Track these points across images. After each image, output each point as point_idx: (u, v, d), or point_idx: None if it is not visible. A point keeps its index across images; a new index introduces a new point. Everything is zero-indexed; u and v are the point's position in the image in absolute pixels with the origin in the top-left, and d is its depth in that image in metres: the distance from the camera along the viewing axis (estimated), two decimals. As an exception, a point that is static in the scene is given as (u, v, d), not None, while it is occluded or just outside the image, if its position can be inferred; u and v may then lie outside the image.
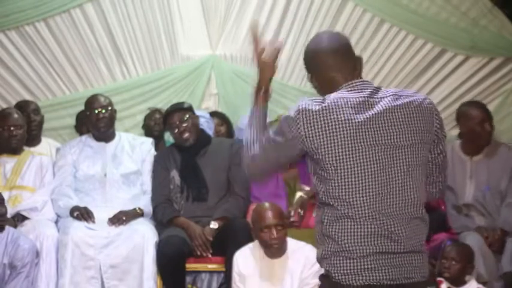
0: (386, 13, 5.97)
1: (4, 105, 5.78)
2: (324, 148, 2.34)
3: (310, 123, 2.35)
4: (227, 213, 4.69)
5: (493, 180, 4.81)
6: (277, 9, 6.05)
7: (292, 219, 4.58)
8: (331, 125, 2.34)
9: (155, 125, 5.75)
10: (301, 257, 4.18)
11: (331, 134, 2.34)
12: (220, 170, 4.83)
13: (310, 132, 2.35)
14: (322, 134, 2.34)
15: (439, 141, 2.47)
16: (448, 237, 4.52)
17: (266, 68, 2.63)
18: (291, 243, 4.24)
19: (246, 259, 4.25)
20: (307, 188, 4.70)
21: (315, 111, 2.35)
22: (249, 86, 6.10)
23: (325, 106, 2.36)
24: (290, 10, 6.04)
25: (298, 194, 4.73)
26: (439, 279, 4.16)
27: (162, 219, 4.75)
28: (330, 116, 2.34)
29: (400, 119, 2.37)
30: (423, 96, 2.46)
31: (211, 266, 4.67)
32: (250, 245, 4.29)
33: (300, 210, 4.65)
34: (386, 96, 2.40)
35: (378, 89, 2.44)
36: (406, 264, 2.34)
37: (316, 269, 4.12)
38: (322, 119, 2.35)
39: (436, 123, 2.45)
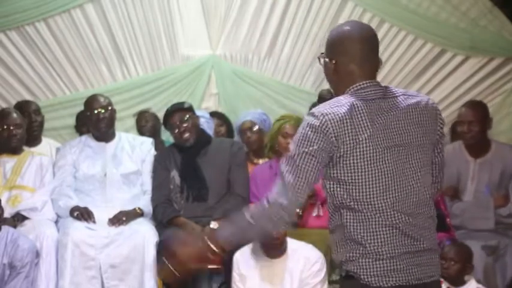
0: (386, 13, 5.98)
1: (4, 105, 5.79)
2: (350, 151, 2.31)
3: (338, 127, 2.29)
4: (227, 213, 4.69)
5: (494, 181, 4.81)
6: (277, 9, 6.06)
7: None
8: (356, 129, 2.30)
9: (142, 127, 5.75)
10: (301, 257, 4.19)
11: (356, 137, 2.31)
12: (220, 170, 4.83)
13: (340, 135, 2.29)
14: (349, 138, 2.30)
15: (439, 141, 2.48)
16: (447, 237, 4.53)
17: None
18: (291, 243, 4.25)
19: (246, 259, 4.26)
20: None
21: (340, 117, 2.30)
22: (249, 86, 6.15)
23: (348, 111, 2.31)
24: (290, 10, 6.06)
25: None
26: (438, 279, 4.16)
27: (162, 219, 4.75)
28: (352, 119, 2.31)
29: (412, 119, 2.38)
30: (427, 97, 2.47)
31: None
32: (250, 245, 4.30)
33: (298, 210, 4.65)
34: (398, 96, 2.40)
35: (387, 88, 2.42)
36: (427, 263, 2.36)
37: (316, 269, 4.13)
38: (347, 122, 2.30)
39: (440, 123, 2.46)
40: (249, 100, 6.13)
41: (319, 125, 2.30)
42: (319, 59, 2.49)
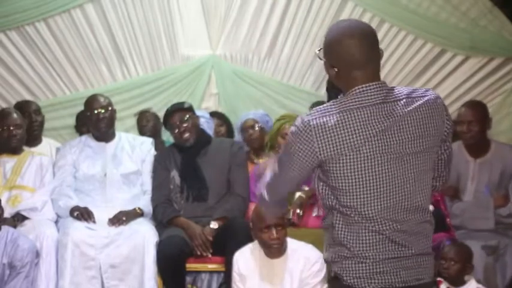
0: (386, 13, 5.98)
1: (4, 105, 5.79)
2: (337, 161, 2.31)
3: (324, 140, 2.30)
4: (227, 213, 4.69)
5: (493, 181, 4.81)
6: (277, 9, 6.06)
7: (290, 217, 4.59)
8: (344, 139, 2.29)
9: (143, 126, 5.75)
10: (301, 257, 4.18)
11: (344, 147, 2.30)
12: (220, 170, 4.83)
13: (325, 148, 2.30)
14: (336, 148, 2.30)
15: (447, 138, 2.44)
16: (447, 237, 4.53)
17: None
18: (291, 243, 4.24)
19: (246, 259, 4.25)
20: (307, 188, 4.70)
21: (329, 127, 2.29)
22: (249, 86, 6.15)
23: (338, 121, 2.29)
24: (290, 10, 6.06)
25: (297, 194, 4.73)
26: (438, 279, 4.17)
27: (162, 219, 4.75)
28: (345, 132, 2.29)
29: (412, 125, 2.33)
30: (434, 95, 2.39)
31: (211, 266, 4.67)
32: (250, 245, 4.30)
33: (298, 210, 4.65)
34: (400, 100, 2.34)
35: (391, 91, 2.37)
36: (416, 266, 2.35)
37: (316, 269, 4.12)
38: (337, 135, 2.29)
39: (447, 122, 2.41)
40: (249, 100, 6.14)
41: (303, 134, 2.32)
42: (318, 56, 2.46)
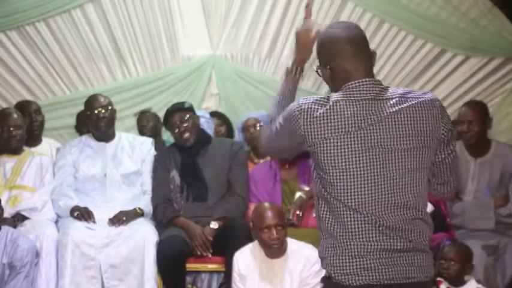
0: (386, 13, 5.98)
1: (4, 105, 5.79)
2: (322, 150, 2.35)
3: (309, 126, 2.36)
4: (227, 213, 4.69)
5: (494, 181, 4.81)
6: (278, 9, 6.06)
7: (289, 217, 4.59)
8: (331, 130, 2.33)
9: (143, 126, 5.76)
10: (301, 257, 4.18)
11: (330, 138, 2.34)
12: (220, 170, 4.83)
13: (309, 133, 2.36)
14: (321, 137, 2.34)
15: (448, 142, 2.44)
16: (447, 237, 4.53)
17: (305, 48, 2.69)
18: (291, 243, 4.24)
19: (246, 259, 4.26)
20: (307, 188, 4.70)
21: (316, 115, 2.35)
22: (249, 86, 6.15)
23: (327, 110, 2.34)
24: (290, 10, 6.06)
25: (298, 194, 4.73)
26: (438, 279, 4.17)
27: (162, 219, 4.75)
28: (330, 120, 2.34)
29: (402, 123, 2.35)
30: (431, 98, 2.41)
31: (211, 266, 4.67)
32: (250, 245, 4.30)
33: (298, 211, 4.65)
34: (392, 98, 2.37)
35: (385, 89, 2.41)
36: (406, 263, 2.34)
37: (316, 269, 4.12)
38: (322, 123, 2.34)
39: (443, 125, 2.41)
40: (250, 100, 6.14)
41: (293, 116, 2.40)
42: (317, 72, 2.54)
